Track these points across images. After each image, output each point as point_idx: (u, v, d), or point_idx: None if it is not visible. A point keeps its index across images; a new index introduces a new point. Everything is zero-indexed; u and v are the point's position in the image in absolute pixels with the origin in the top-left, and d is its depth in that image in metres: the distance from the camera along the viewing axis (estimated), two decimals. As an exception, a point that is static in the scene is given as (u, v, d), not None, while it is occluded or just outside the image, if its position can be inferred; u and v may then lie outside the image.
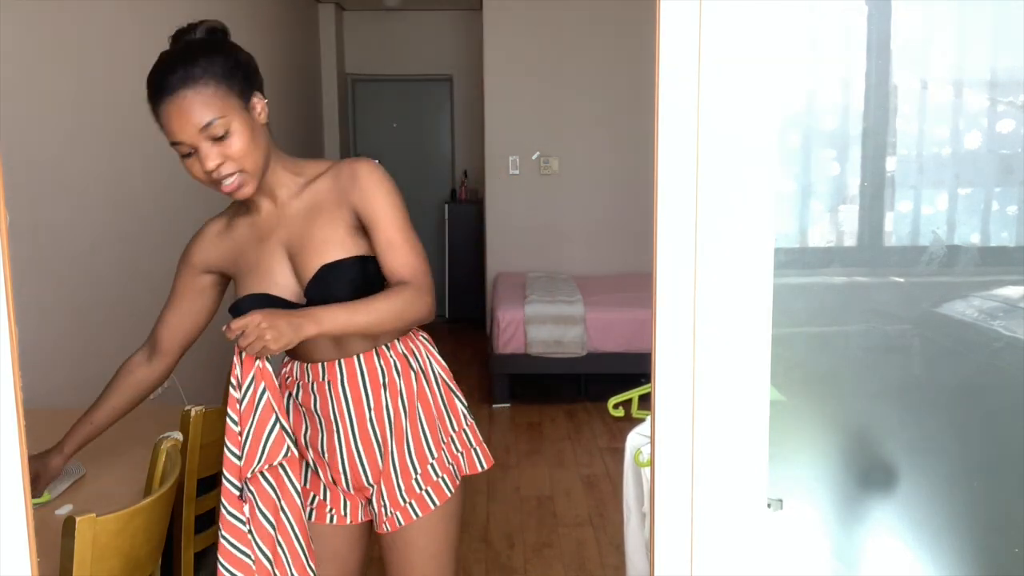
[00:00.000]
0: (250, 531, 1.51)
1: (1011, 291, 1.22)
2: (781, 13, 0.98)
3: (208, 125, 1.48)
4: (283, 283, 1.61)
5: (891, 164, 1.16)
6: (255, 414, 1.52)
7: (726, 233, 1.00)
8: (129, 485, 1.82)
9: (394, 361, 1.67)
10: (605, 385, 4.89)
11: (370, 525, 1.76)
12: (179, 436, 1.82)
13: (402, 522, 1.67)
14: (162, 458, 1.72)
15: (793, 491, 1.11)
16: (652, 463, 1.05)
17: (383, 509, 1.67)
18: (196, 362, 4.07)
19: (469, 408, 1.78)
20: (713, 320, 1.01)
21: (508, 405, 4.96)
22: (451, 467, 1.70)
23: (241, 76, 1.53)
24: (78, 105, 2.90)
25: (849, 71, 1.14)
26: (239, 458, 1.50)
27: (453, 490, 1.69)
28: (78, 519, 1.37)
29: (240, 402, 1.52)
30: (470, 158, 7.20)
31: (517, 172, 6.13)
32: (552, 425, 4.64)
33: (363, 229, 1.60)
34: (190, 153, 1.52)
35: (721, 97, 0.98)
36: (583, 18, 5.93)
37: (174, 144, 1.52)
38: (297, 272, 1.61)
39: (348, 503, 1.72)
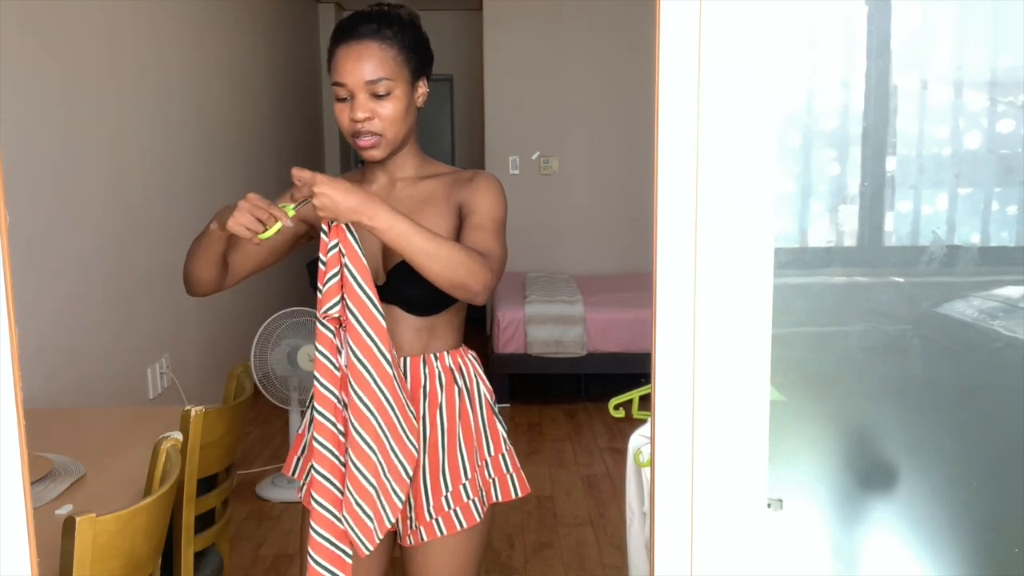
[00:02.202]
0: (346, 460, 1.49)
1: (1011, 291, 1.22)
2: (781, 13, 0.98)
3: (376, 81, 1.53)
4: (370, 256, 1.60)
5: (891, 164, 1.16)
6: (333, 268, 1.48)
7: (726, 233, 1.00)
8: (129, 485, 1.82)
9: (439, 373, 1.65)
10: (605, 385, 4.89)
11: (394, 535, 1.74)
12: (179, 436, 1.82)
13: (426, 537, 1.64)
14: (162, 458, 1.72)
15: (793, 491, 1.11)
16: (652, 463, 1.05)
17: (409, 521, 1.65)
18: (196, 362, 4.08)
19: (509, 433, 1.76)
20: (713, 320, 1.01)
21: (508, 405, 4.96)
22: (482, 491, 1.68)
23: (421, 57, 1.61)
24: (78, 105, 2.90)
25: (849, 71, 1.14)
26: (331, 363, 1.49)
27: (482, 515, 1.67)
28: (78, 519, 1.37)
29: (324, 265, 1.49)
30: (470, 158, 7.20)
31: (517, 172, 6.13)
32: (552, 425, 4.64)
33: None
34: (346, 99, 1.56)
35: (721, 97, 0.98)
36: (583, 18, 5.93)
37: (335, 85, 1.56)
38: (385, 252, 1.63)
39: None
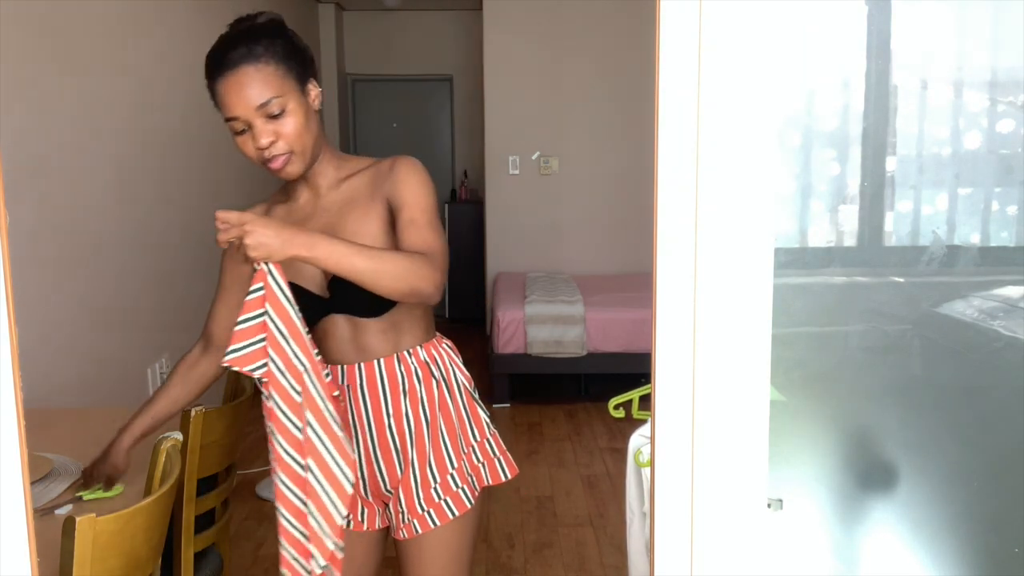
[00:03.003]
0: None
1: (1011, 291, 1.22)
2: (781, 13, 0.98)
3: (266, 103, 1.49)
4: (309, 274, 1.61)
5: (891, 164, 1.16)
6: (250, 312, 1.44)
7: (726, 233, 1.00)
8: (129, 485, 1.82)
9: (415, 368, 1.66)
10: (605, 385, 4.89)
11: (387, 531, 1.76)
12: (179, 436, 1.82)
13: (419, 530, 1.66)
14: (162, 458, 1.72)
15: (793, 491, 1.11)
16: (652, 463, 1.05)
17: (400, 516, 1.67)
18: (196, 362, 4.05)
19: (492, 418, 1.76)
20: (713, 320, 1.01)
21: (508, 405, 4.96)
22: (471, 477, 1.69)
23: (299, 60, 1.55)
24: (79, 105, 2.90)
25: (849, 71, 1.14)
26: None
27: (473, 501, 1.68)
28: (78, 519, 1.37)
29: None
30: (470, 158, 7.20)
31: (517, 172, 6.13)
32: (552, 425, 4.64)
33: (394, 226, 1.57)
34: (244, 130, 1.52)
35: (721, 97, 0.98)
36: (583, 18, 5.93)
37: (228, 120, 1.52)
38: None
39: (366, 510, 1.72)
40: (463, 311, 6.97)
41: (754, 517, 1.04)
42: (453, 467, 1.67)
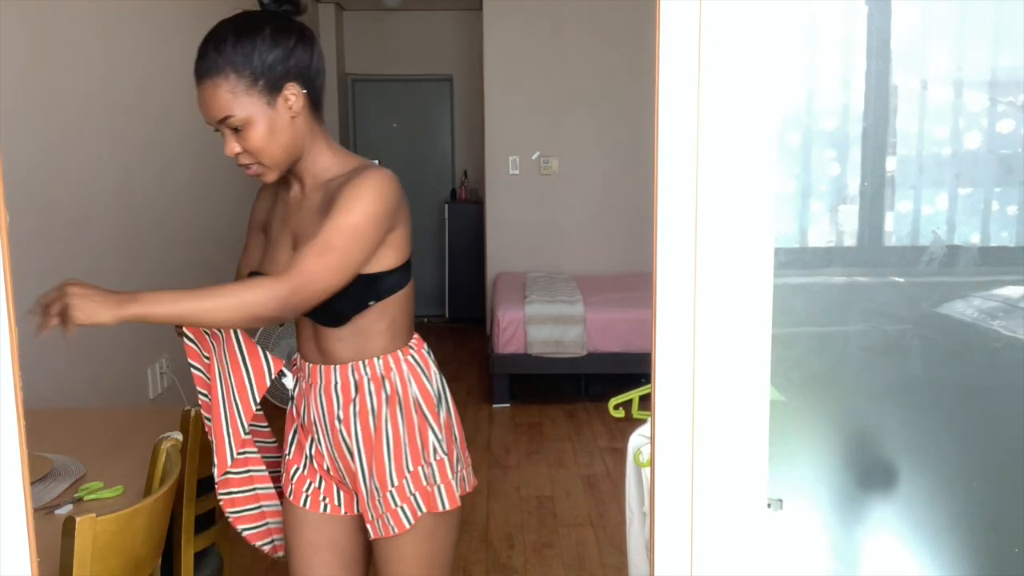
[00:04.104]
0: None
1: (1011, 291, 1.22)
2: (781, 13, 0.98)
3: (225, 119, 1.50)
4: (282, 269, 1.59)
5: (891, 164, 1.16)
6: None
7: (726, 233, 1.00)
8: (129, 485, 1.82)
9: (368, 380, 1.63)
10: (605, 385, 4.89)
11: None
12: (179, 436, 1.82)
13: (372, 534, 1.67)
14: (162, 458, 1.72)
15: (793, 491, 1.11)
16: (652, 463, 1.05)
17: (367, 512, 1.67)
18: (196, 362, 4.05)
19: (443, 442, 1.66)
20: (713, 320, 1.01)
21: (508, 405, 4.95)
22: (413, 497, 1.63)
23: (269, 70, 1.49)
24: (79, 105, 2.90)
25: (849, 71, 1.14)
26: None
27: (412, 521, 1.62)
28: (78, 519, 1.37)
29: None
30: (470, 158, 7.20)
31: (517, 172, 6.13)
32: (552, 425, 4.64)
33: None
34: (219, 131, 1.54)
35: (721, 97, 0.98)
36: (583, 18, 5.93)
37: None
38: None
39: (341, 493, 1.72)
40: (463, 311, 6.97)
41: (754, 517, 1.04)
42: (393, 485, 1.63)
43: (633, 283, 5.51)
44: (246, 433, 1.65)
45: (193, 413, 1.92)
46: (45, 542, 1.41)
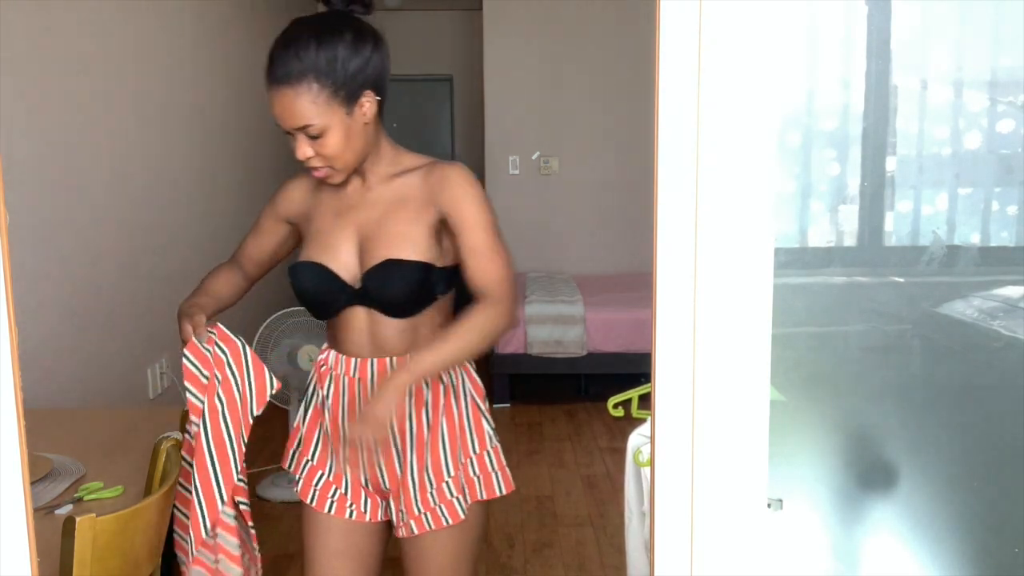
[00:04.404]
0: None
1: (1011, 291, 1.22)
2: (781, 13, 0.98)
3: (304, 127, 1.51)
4: (345, 262, 1.62)
5: (891, 164, 1.16)
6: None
7: (726, 233, 1.00)
8: (129, 485, 1.82)
9: None
10: (605, 385, 4.89)
11: (389, 525, 1.76)
12: (179, 436, 1.82)
13: (415, 531, 1.66)
14: (162, 458, 1.72)
15: (793, 491, 1.11)
16: (652, 463, 1.05)
17: (400, 514, 1.67)
18: (196, 362, 4.05)
19: (496, 431, 1.75)
20: (713, 320, 1.01)
21: (508, 405, 4.95)
22: (466, 488, 1.68)
23: (350, 80, 1.52)
24: (78, 106, 2.90)
25: (849, 71, 1.14)
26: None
27: (466, 512, 1.67)
28: (78, 519, 1.37)
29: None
30: (470, 158, 7.20)
31: (517, 172, 6.13)
32: (552, 425, 4.64)
33: (441, 235, 1.60)
34: (290, 133, 1.55)
35: (721, 97, 0.98)
36: (583, 18, 5.93)
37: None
38: (361, 256, 1.61)
39: (368, 500, 1.71)
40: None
41: (754, 517, 1.04)
42: (449, 475, 1.66)
43: (633, 283, 5.51)
44: (239, 475, 1.61)
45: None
46: (45, 542, 1.41)
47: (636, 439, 2.04)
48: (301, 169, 1.65)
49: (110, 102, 3.14)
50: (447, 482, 1.66)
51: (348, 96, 1.52)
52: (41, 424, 2.18)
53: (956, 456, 1.21)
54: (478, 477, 1.70)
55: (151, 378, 3.48)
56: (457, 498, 1.66)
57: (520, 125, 6.07)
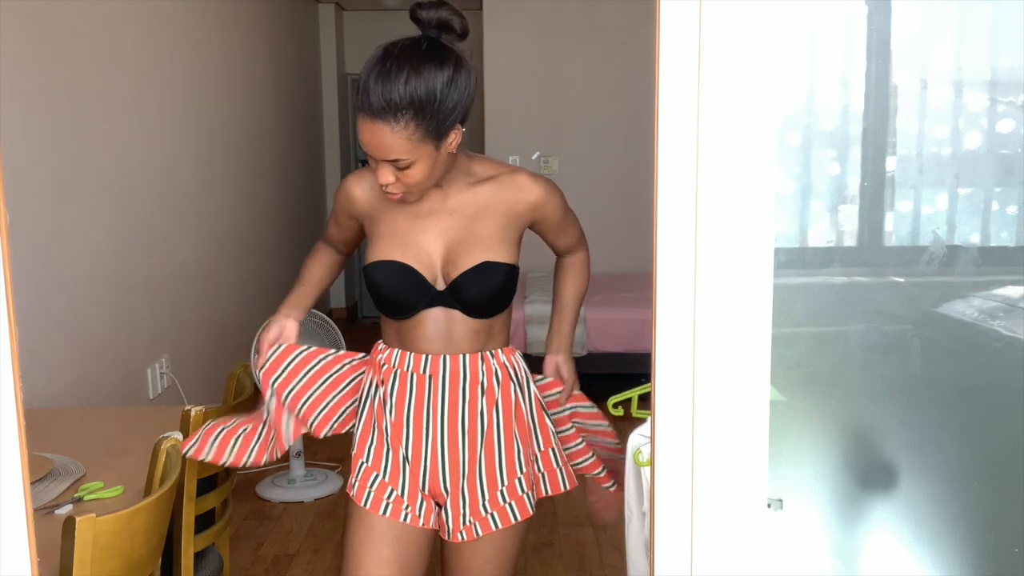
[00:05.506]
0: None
1: (1011, 291, 1.22)
2: (781, 13, 0.98)
3: (394, 161, 1.53)
4: (428, 264, 1.65)
5: (891, 164, 1.16)
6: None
7: (726, 233, 1.00)
8: (129, 485, 1.82)
9: (496, 369, 1.70)
10: (605, 385, 4.87)
11: (435, 536, 1.73)
12: (179, 436, 1.82)
13: (480, 532, 1.66)
14: (162, 458, 1.72)
15: (793, 491, 1.11)
16: (652, 463, 1.05)
17: (461, 517, 1.66)
18: (196, 362, 4.08)
19: (557, 429, 1.81)
20: (713, 320, 1.01)
21: (508, 405, 4.95)
22: (534, 485, 1.73)
23: (447, 112, 1.52)
24: (79, 106, 2.90)
25: (849, 71, 1.14)
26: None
27: (534, 508, 1.71)
28: (78, 519, 1.37)
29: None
30: (470, 158, 7.19)
31: (517, 172, 6.12)
32: (552, 425, 4.64)
33: (521, 238, 1.73)
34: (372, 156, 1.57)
35: (721, 97, 0.98)
36: (583, 18, 5.93)
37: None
38: (448, 259, 1.65)
39: (424, 504, 1.69)
40: (463, 311, 6.95)
41: (754, 517, 1.04)
42: (521, 471, 1.70)
43: (633, 283, 5.51)
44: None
45: (193, 413, 1.92)
46: (45, 542, 1.41)
47: (636, 439, 2.04)
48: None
49: (111, 103, 3.14)
50: (519, 478, 1.70)
51: (441, 134, 1.53)
52: (41, 424, 2.18)
53: (956, 456, 1.21)
54: (543, 474, 1.76)
55: (151, 378, 3.48)
56: (527, 494, 1.70)
57: (520, 125, 6.07)
